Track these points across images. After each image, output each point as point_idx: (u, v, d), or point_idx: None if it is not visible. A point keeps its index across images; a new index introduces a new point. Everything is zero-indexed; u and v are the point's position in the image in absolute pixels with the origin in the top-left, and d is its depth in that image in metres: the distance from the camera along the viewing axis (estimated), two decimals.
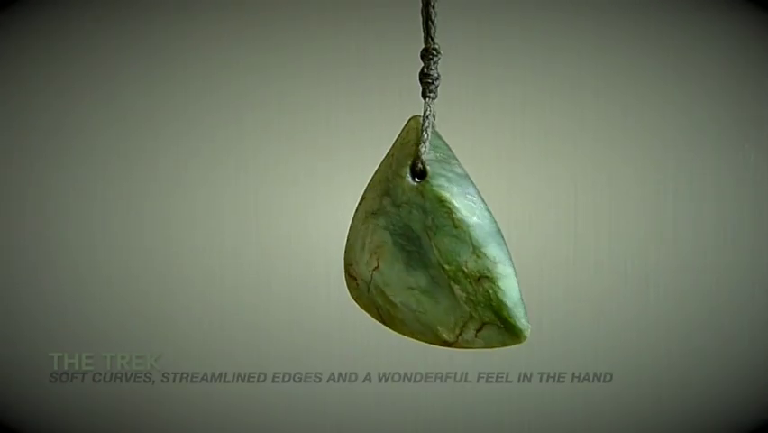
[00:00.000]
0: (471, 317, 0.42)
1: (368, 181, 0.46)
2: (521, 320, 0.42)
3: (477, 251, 0.43)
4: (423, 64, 0.44)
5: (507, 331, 0.42)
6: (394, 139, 0.45)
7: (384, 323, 0.44)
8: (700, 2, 0.71)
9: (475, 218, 0.43)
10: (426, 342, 0.44)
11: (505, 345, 0.43)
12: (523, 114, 0.72)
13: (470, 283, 0.42)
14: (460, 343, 0.43)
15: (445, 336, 0.43)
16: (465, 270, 0.42)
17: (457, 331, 0.43)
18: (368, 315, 0.45)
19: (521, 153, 0.72)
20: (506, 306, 0.42)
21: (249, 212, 0.74)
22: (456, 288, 0.42)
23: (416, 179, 0.43)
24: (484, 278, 0.42)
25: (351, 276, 0.44)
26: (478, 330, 0.43)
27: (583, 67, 0.72)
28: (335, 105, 0.73)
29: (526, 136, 0.72)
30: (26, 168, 0.74)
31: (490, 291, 0.42)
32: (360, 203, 0.45)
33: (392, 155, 0.44)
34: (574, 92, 0.72)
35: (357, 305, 0.45)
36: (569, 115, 0.72)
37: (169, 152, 0.74)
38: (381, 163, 0.45)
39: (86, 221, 0.74)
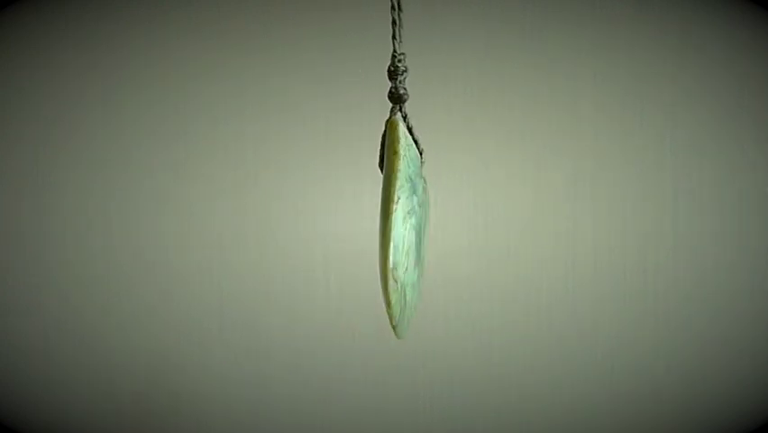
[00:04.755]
0: (416, 306, 0.46)
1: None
2: None
3: (425, 245, 0.48)
4: (391, 83, 0.46)
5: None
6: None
7: (395, 325, 0.44)
8: (701, 1, 0.71)
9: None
10: (399, 338, 0.45)
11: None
12: (523, 112, 0.72)
13: (421, 276, 0.47)
14: (405, 334, 0.46)
15: (406, 325, 0.45)
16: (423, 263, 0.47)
17: (408, 321, 0.46)
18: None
19: (520, 153, 0.72)
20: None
21: (248, 212, 0.74)
22: (420, 281, 0.47)
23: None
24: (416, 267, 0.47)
25: (395, 279, 0.43)
26: (410, 318, 0.46)
27: (584, 66, 0.72)
28: (335, 104, 0.73)
29: (526, 136, 0.72)
30: (24, 168, 0.74)
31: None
32: (395, 203, 0.44)
33: (405, 156, 0.45)
34: (574, 92, 0.72)
35: (388, 309, 0.44)
36: (569, 115, 0.72)
37: (166, 153, 0.74)
38: (396, 163, 0.44)
39: (83, 221, 0.74)
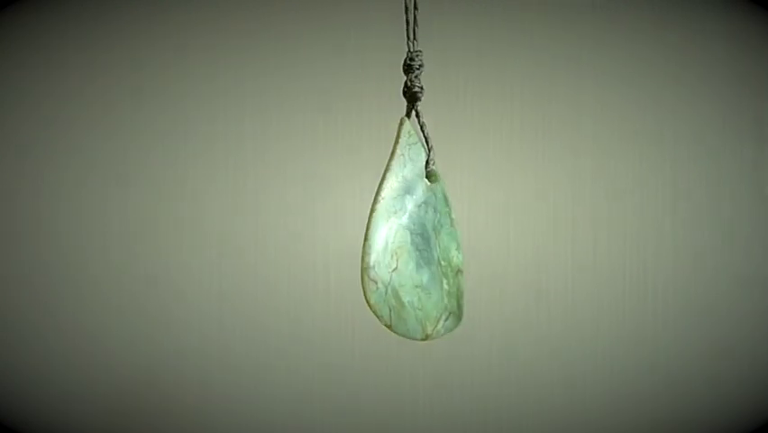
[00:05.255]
0: (446, 308, 0.46)
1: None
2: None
3: (459, 247, 0.47)
4: (406, 77, 0.46)
5: (457, 318, 0.47)
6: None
7: (390, 325, 0.44)
8: (701, 1, 0.71)
9: (456, 217, 0.47)
10: (411, 338, 0.45)
11: (450, 331, 0.47)
12: (521, 113, 0.72)
13: (452, 277, 0.46)
14: (432, 335, 0.46)
15: (429, 330, 0.45)
16: (452, 265, 0.46)
17: (435, 324, 0.46)
18: (370, 317, 0.44)
19: (520, 153, 0.72)
20: (463, 295, 0.47)
21: (248, 212, 0.74)
22: (444, 282, 0.46)
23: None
24: (459, 271, 0.47)
25: (371, 279, 0.44)
26: (446, 320, 0.46)
27: (582, 66, 0.72)
28: (335, 104, 0.73)
29: (525, 136, 0.72)
30: (25, 169, 0.74)
31: (460, 283, 0.47)
32: (377, 202, 0.44)
33: (402, 155, 0.45)
34: (573, 92, 0.72)
35: (370, 309, 0.44)
36: (568, 115, 0.72)
37: (166, 153, 0.74)
38: (391, 163, 0.45)
39: (84, 221, 0.74)
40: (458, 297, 0.47)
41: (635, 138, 0.72)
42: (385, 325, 0.44)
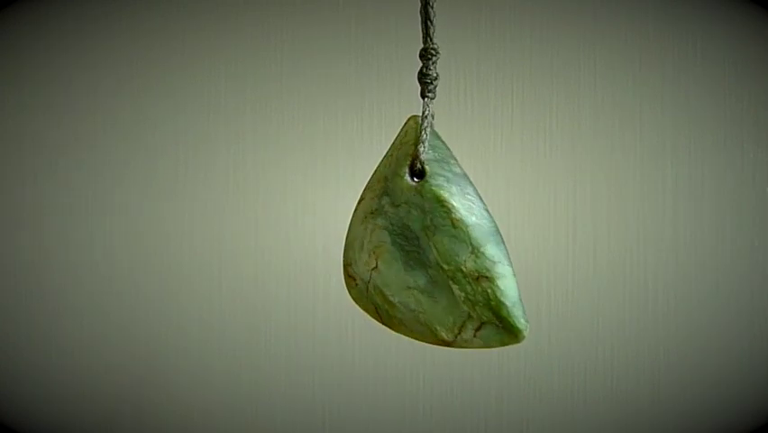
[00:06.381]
0: (470, 316, 0.43)
1: (367, 181, 0.46)
2: (520, 319, 0.43)
3: (476, 251, 0.43)
4: (421, 64, 0.45)
5: (506, 330, 0.43)
6: (393, 139, 0.46)
7: (383, 323, 0.44)
8: (700, 1, 0.71)
9: (474, 218, 0.44)
10: (425, 342, 0.44)
11: (504, 344, 0.43)
12: (521, 112, 0.72)
13: (468, 283, 0.43)
14: (458, 342, 0.43)
15: (444, 335, 0.43)
16: (464, 269, 0.43)
17: (456, 331, 0.43)
18: (367, 314, 0.45)
19: (519, 153, 0.72)
20: (504, 305, 0.43)
21: (248, 212, 0.74)
22: (455, 287, 0.43)
23: (415, 179, 0.44)
24: (483, 277, 0.43)
25: (350, 276, 0.44)
26: (476, 330, 0.43)
27: (582, 65, 0.72)
28: (335, 104, 0.73)
29: (525, 135, 0.72)
30: (24, 169, 0.74)
31: (489, 291, 0.43)
32: (358, 203, 0.45)
33: (391, 155, 0.45)
34: (573, 91, 0.72)
35: (356, 304, 0.45)
36: (567, 114, 0.72)
37: (166, 152, 0.74)
38: (380, 163, 0.46)
39: (84, 221, 0.74)
40: (492, 307, 0.43)
41: (635, 137, 0.72)
42: (379, 322, 0.44)
